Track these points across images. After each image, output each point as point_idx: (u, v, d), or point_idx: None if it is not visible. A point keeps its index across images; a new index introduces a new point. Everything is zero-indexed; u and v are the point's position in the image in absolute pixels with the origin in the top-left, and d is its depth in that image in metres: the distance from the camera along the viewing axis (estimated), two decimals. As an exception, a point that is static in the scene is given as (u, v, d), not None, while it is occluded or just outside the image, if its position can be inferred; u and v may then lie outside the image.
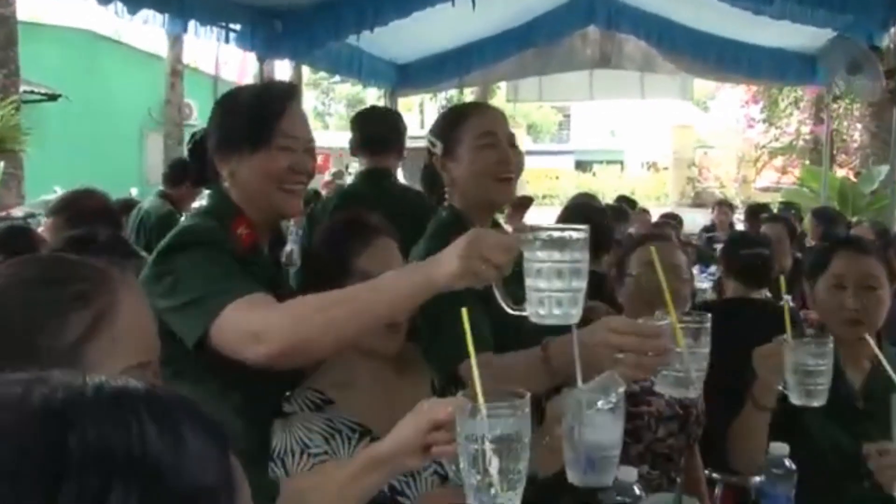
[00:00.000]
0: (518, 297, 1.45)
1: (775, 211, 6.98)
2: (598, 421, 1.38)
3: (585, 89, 10.69)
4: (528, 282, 1.39)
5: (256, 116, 1.79)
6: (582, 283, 1.38)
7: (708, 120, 26.95)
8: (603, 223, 3.77)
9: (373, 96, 13.05)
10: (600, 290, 3.26)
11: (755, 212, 6.44)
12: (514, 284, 1.68)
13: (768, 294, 3.74)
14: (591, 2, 8.04)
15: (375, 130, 3.85)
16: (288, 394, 1.77)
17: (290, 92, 1.89)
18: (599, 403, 1.37)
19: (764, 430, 2.10)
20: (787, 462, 1.89)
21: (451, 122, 2.13)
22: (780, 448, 1.90)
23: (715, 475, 2.78)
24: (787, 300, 4.16)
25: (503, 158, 2.05)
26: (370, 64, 7.94)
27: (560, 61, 9.06)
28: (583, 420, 1.37)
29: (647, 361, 1.50)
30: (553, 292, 1.37)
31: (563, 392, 1.49)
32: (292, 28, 6.35)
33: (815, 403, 1.87)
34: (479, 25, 7.92)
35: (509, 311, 1.45)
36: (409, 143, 4.07)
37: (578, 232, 1.38)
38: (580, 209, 3.95)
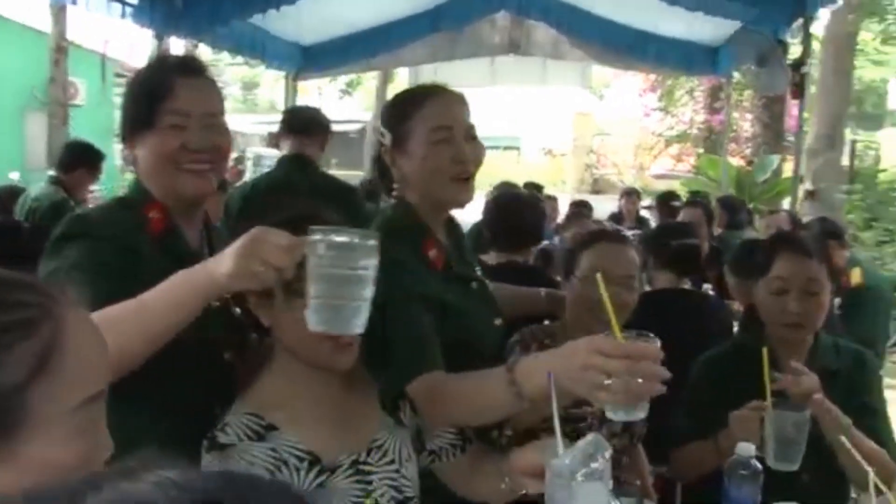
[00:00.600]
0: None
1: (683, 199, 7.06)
2: (584, 491, 1.26)
3: (488, 75, 10.66)
4: (310, 287, 1.30)
5: (142, 95, 1.71)
6: (368, 293, 1.32)
7: (605, 108, 27.42)
8: (537, 217, 3.69)
9: (270, 79, 12.67)
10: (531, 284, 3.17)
11: (666, 200, 6.49)
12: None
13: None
14: (501, -13, 7.94)
15: (304, 117, 4.10)
16: (224, 421, 1.54)
17: (182, 65, 1.75)
18: (583, 472, 1.27)
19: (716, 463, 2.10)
20: (754, 462, 1.85)
21: (402, 112, 1.90)
22: (747, 448, 1.85)
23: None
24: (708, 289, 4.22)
25: (459, 156, 1.85)
26: (274, 45, 7.63)
27: (469, 46, 8.94)
28: (570, 493, 1.26)
29: (637, 388, 1.33)
30: (336, 300, 1.31)
31: (538, 446, 1.44)
32: (193, 3, 5.99)
33: (793, 468, 1.91)
34: (388, 7, 7.73)
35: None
36: None
37: (367, 237, 1.32)
38: (510, 202, 3.81)
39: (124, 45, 15.46)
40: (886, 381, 5.06)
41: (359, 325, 1.33)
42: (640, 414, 1.54)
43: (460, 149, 1.85)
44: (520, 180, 8.11)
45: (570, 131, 27.68)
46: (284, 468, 1.50)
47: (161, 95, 1.67)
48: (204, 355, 1.61)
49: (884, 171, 12.55)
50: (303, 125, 4.04)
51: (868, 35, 15.77)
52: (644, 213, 9.28)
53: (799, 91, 6.14)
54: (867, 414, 2.16)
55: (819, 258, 2.23)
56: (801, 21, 6.30)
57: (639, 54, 8.37)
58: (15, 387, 0.88)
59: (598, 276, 1.66)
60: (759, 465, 1.85)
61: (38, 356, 0.89)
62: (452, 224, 2.07)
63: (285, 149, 4.02)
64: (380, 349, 1.65)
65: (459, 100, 1.92)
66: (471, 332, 1.91)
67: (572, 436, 2.11)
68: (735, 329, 3.49)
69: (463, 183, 1.88)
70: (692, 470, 2.35)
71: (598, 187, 23.86)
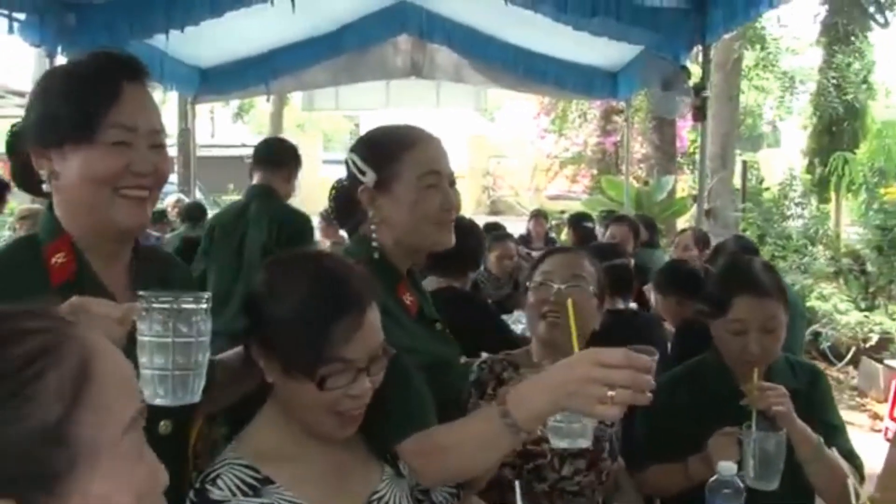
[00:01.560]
0: None
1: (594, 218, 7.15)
2: None
3: (382, 98, 10.65)
4: (141, 357, 1.21)
5: (83, 97, 1.39)
6: (203, 358, 1.25)
7: (498, 130, 27.78)
8: (477, 242, 3.64)
9: (173, 102, 12.30)
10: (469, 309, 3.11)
11: (579, 220, 6.56)
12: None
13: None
14: (403, 10, 7.96)
15: (273, 148, 4.28)
16: (211, 472, 1.42)
17: (128, 67, 1.45)
18: None
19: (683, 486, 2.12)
20: (736, 481, 1.84)
21: (390, 153, 1.77)
22: (729, 468, 1.82)
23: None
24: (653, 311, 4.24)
25: (447, 203, 1.77)
26: (172, 67, 7.38)
27: (370, 70, 8.89)
28: None
29: (640, 398, 1.34)
30: (171, 370, 1.22)
31: None
32: (89, 21, 5.68)
33: (771, 487, 1.93)
34: (289, 30, 7.61)
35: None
36: (198, 153, 4.26)
37: (199, 300, 1.24)
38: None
39: (3, 65, 14.62)
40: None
41: (197, 392, 1.26)
42: (584, 442, 1.56)
43: (448, 195, 1.78)
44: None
45: (465, 154, 27.93)
46: None
47: (107, 103, 1.39)
48: None
49: (767, 189, 13.16)
50: (270, 157, 4.18)
51: (749, 61, 16.53)
52: (550, 233, 9.39)
53: (700, 114, 6.32)
54: (831, 431, 2.17)
55: (775, 296, 2.20)
56: (699, 47, 6.52)
57: (539, 77, 8.51)
58: (58, 422, 0.76)
59: (569, 302, 1.73)
60: (741, 484, 1.83)
61: (73, 381, 0.78)
62: (412, 271, 1.93)
63: (255, 179, 4.13)
64: (372, 404, 1.51)
65: (442, 145, 1.85)
66: (455, 380, 1.89)
67: (532, 472, 2.07)
68: (669, 348, 3.52)
69: (447, 227, 1.80)
70: (658, 493, 2.37)
71: (496, 209, 24.06)
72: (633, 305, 4.38)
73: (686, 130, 15.32)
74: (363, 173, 1.77)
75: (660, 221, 10.41)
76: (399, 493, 1.58)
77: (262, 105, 24.50)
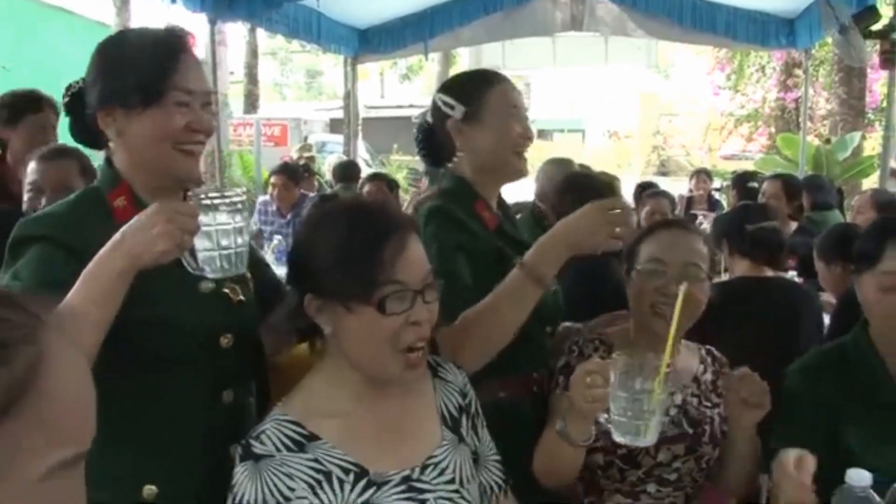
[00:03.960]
0: None
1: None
2: None
3: (549, 56, 10.40)
4: (206, 244, 1.44)
5: (148, 67, 1.58)
6: (243, 240, 1.48)
7: (670, 88, 26.75)
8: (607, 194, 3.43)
9: (329, 64, 12.62)
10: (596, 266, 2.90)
11: (743, 180, 6.08)
12: None
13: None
14: (562, -38, 7.67)
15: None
16: (258, 428, 1.44)
17: (182, 39, 1.67)
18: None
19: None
20: (874, 496, 1.52)
21: (479, 86, 2.04)
22: (861, 477, 1.53)
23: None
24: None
25: (527, 132, 2.04)
26: (329, 28, 7.51)
27: (528, 25, 8.66)
28: None
29: (626, 231, 1.79)
30: (234, 249, 1.46)
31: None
32: (244, -13, 5.88)
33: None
34: (445, -13, 7.54)
35: (190, 270, 1.47)
36: (366, 114, 4.14)
37: (240, 195, 1.49)
38: (583, 185, 3.54)
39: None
40: None
41: (243, 266, 1.49)
42: (648, 440, 1.56)
43: (527, 125, 2.04)
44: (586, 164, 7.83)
45: (635, 113, 27.13)
46: (326, 483, 1.39)
47: (171, 68, 1.57)
48: (196, 341, 1.58)
49: (973, 147, 11.85)
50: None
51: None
52: (715, 195, 8.87)
53: (889, 61, 5.69)
54: None
55: None
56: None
57: (708, 28, 7.97)
58: None
59: (683, 287, 1.68)
60: (878, 499, 1.54)
61: (6, 392, 0.62)
62: (503, 202, 2.18)
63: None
64: None
65: (513, 83, 2.11)
66: None
67: (625, 458, 1.87)
68: (826, 322, 3.16)
69: (522, 157, 2.06)
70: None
71: (665, 169, 23.29)
72: (791, 274, 4.02)
73: (879, 83, 14.04)
74: (452, 108, 2.02)
75: (842, 182, 9.63)
76: (459, 460, 1.52)
77: (430, 66, 24.73)
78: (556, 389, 1.93)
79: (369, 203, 1.58)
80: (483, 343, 1.78)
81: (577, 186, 3.43)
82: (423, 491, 1.45)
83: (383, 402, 1.49)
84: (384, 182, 5.91)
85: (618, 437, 1.57)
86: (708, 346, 2.09)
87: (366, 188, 5.94)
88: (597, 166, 7.34)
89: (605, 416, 1.61)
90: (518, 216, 3.02)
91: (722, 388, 1.93)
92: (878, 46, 5.75)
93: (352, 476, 1.40)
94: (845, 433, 1.89)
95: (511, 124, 2.00)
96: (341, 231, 1.45)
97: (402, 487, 1.43)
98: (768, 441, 1.91)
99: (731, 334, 2.45)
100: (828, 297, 3.45)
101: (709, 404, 1.97)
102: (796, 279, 3.94)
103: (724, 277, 3.32)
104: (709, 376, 2.02)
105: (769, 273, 3.19)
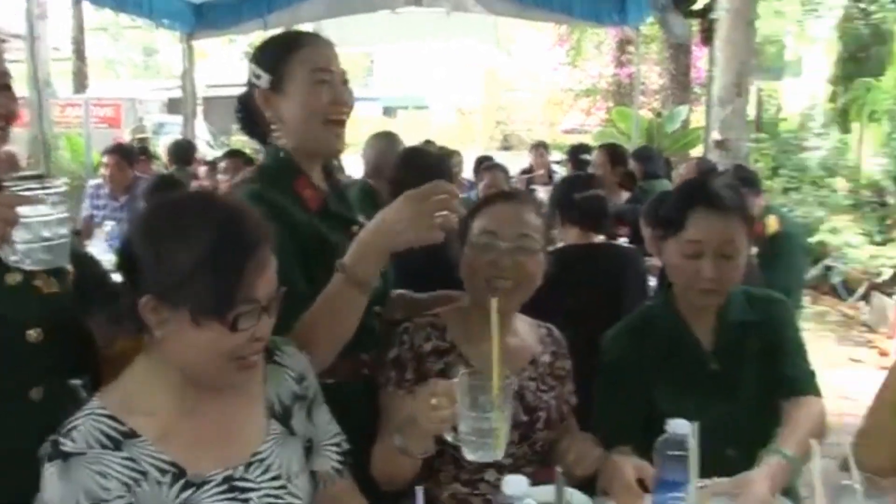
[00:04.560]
0: None
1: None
2: None
3: (389, 31, 10.38)
4: (26, 237, 1.39)
5: None
6: (64, 230, 1.44)
7: (513, 64, 27.29)
8: (444, 169, 3.45)
9: (167, 42, 12.10)
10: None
11: (576, 152, 6.32)
12: None
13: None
14: (400, -63, 7.65)
15: None
16: (70, 422, 1.34)
17: None
18: None
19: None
20: (686, 440, 1.62)
21: (282, 53, 1.87)
22: (681, 426, 1.63)
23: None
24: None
25: (338, 98, 1.87)
26: (162, 2, 7.17)
27: (369, 0, 8.62)
28: None
29: (452, 219, 1.61)
30: (56, 240, 1.42)
31: None
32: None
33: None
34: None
35: (10, 262, 1.43)
36: (206, 93, 3.93)
37: (60, 186, 1.45)
38: (416, 156, 3.55)
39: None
40: (803, 325, 5.07)
41: (65, 257, 1.47)
42: (498, 454, 1.54)
43: (339, 90, 1.87)
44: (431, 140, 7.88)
45: (479, 89, 27.50)
46: (144, 481, 1.32)
47: None
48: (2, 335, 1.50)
49: (785, 120, 12.78)
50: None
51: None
52: (555, 168, 9.15)
53: (707, 37, 6.03)
54: (787, 354, 2.01)
55: (737, 217, 2.00)
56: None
57: (544, 4, 8.19)
58: None
59: (494, 301, 1.61)
60: (695, 444, 1.64)
61: None
62: (330, 172, 2.05)
63: None
64: None
65: (332, 46, 1.94)
66: None
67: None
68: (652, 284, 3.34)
69: (338, 126, 1.89)
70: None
71: (508, 144, 23.80)
72: (623, 240, 4.21)
73: (702, 60, 14.85)
74: (258, 77, 1.86)
75: (672, 153, 10.14)
76: (287, 454, 1.48)
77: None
78: (387, 385, 1.89)
79: (232, 209, 1.40)
80: (326, 344, 1.70)
81: (415, 160, 3.45)
82: (246, 490, 1.40)
83: (206, 400, 1.42)
84: (241, 159, 5.68)
85: (469, 456, 1.55)
86: (548, 325, 2.11)
87: (222, 164, 5.75)
88: (442, 142, 7.42)
89: (452, 434, 1.58)
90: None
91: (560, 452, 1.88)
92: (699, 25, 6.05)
93: (169, 477, 1.34)
94: (656, 392, 2.00)
95: (318, 92, 1.84)
96: (203, 240, 1.33)
97: (224, 487, 1.39)
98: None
99: (563, 301, 2.54)
100: (655, 261, 3.64)
101: (545, 388, 1.99)
102: (628, 245, 4.12)
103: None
104: (547, 358, 2.04)
105: (597, 240, 3.32)
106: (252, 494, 1.40)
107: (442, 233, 1.60)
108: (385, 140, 4.10)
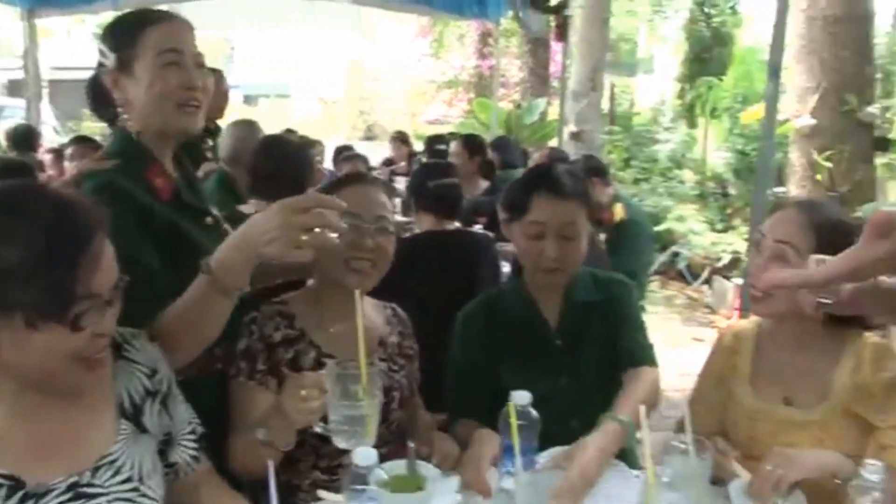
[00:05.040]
0: None
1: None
2: None
3: (252, 16, 10.15)
4: None
5: None
6: None
7: (377, 54, 27.26)
8: (305, 163, 3.43)
9: (6, 17, 11.36)
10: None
11: (433, 143, 6.42)
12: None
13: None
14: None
15: None
16: None
17: None
18: None
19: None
20: (530, 411, 1.74)
21: (130, 31, 1.76)
22: (522, 397, 1.72)
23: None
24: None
25: (188, 82, 1.77)
26: (-3, -25, 6.73)
27: (230, -17, 8.41)
28: None
29: (330, 239, 1.49)
30: None
31: None
32: None
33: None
34: (135, -63, 7.04)
35: None
36: (52, 75, 3.68)
37: None
38: (276, 145, 3.51)
39: None
40: (648, 307, 5.33)
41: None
42: (369, 440, 1.58)
43: (190, 73, 1.77)
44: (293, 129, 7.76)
45: (343, 78, 27.29)
46: None
47: None
48: None
49: (638, 114, 13.38)
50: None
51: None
52: (416, 157, 9.24)
53: (562, 33, 6.24)
54: (627, 330, 2.13)
55: (576, 200, 2.11)
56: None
57: (407, -5, 8.22)
58: None
59: (357, 292, 1.66)
60: (535, 413, 1.73)
61: None
62: (181, 160, 1.94)
63: None
64: None
65: (188, 26, 1.82)
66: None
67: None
68: (507, 271, 3.44)
69: (190, 110, 1.79)
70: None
71: (371, 134, 23.77)
72: (478, 228, 4.31)
73: (561, 55, 15.32)
74: (106, 56, 1.77)
75: (530, 144, 10.41)
76: (138, 454, 1.42)
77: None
78: (238, 377, 1.86)
79: (60, 201, 1.27)
80: (191, 346, 1.61)
81: (275, 148, 3.42)
82: (93, 496, 1.34)
83: (47, 404, 1.34)
84: (89, 146, 5.39)
85: (342, 444, 1.57)
86: (392, 305, 2.15)
87: (68, 151, 5.47)
88: (304, 132, 7.34)
89: (321, 424, 1.60)
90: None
91: None
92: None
93: (4, 490, 1.26)
94: (505, 367, 2.09)
95: (167, 75, 1.74)
96: (31, 237, 1.21)
97: (69, 495, 1.31)
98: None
99: (417, 287, 2.60)
100: (510, 247, 3.75)
101: (396, 368, 2.03)
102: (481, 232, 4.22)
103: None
104: (395, 338, 2.08)
105: (451, 227, 3.40)
106: (101, 499, 1.34)
107: (311, 252, 1.48)
108: (244, 127, 4.03)
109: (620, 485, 1.78)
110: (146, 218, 1.70)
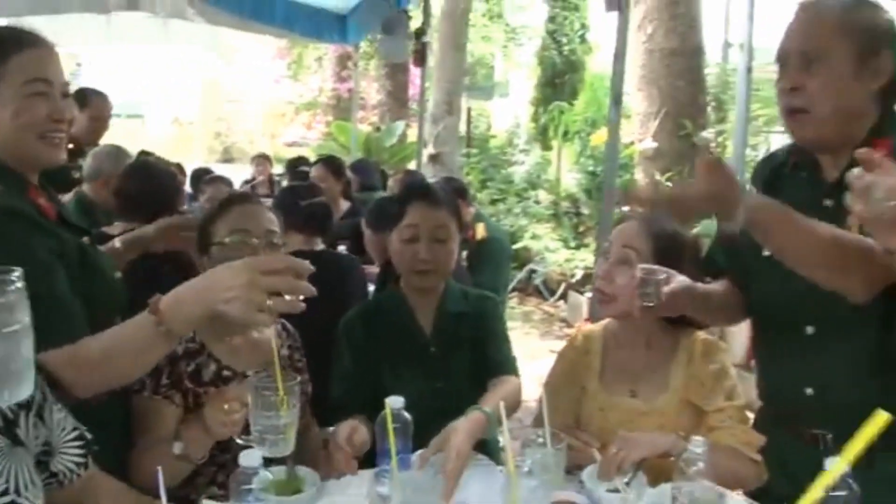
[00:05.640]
0: None
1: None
2: None
3: (102, 33, 9.82)
4: None
5: None
6: (26, 349, 1.08)
7: (233, 74, 26.84)
8: (171, 181, 3.44)
9: None
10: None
11: (295, 164, 6.49)
12: None
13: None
14: (109, -65, 7.28)
15: None
16: None
17: None
18: None
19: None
20: (405, 414, 1.87)
21: None
22: (396, 401, 1.86)
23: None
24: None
25: (55, 113, 1.74)
26: None
27: (78, 0, 8.12)
28: None
29: (296, 305, 1.38)
30: None
31: None
32: None
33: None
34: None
35: None
36: None
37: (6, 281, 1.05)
38: (142, 171, 3.50)
39: None
40: (508, 323, 5.56)
41: (27, 389, 1.10)
42: (289, 449, 1.63)
43: (57, 105, 1.74)
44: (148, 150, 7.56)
45: (198, 98, 26.66)
46: None
47: None
48: None
49: (494, 136, 13.82)
50: None
51: (477, 13, 17.09)
52: (277, 179, 9.21)
53: (420, 59, 6.45)
54: (494, 342, 2.33)
55: (448, 209, 2.32)
56: (421, -7, 6.62)
57: (266, 19, 8.19)
58: None
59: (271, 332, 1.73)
60: (408, 416, 1.87)
61: None
62: (44, 185, 1.88)
63: None
64: None
65: (55, 54, 1.79)
66: (102, 284, 1.81)
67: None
68: (371, 289, 3.58)
69: (56, 142, 1.76)
70: None
71: (229, 156, 23.36)
72: (341, 248, 4.42)
73: (419, 77, 15.62)
74: None
75: (390, 167, 10.58)
76: (14, 466, 1.37)
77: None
78: (143, 391, 1.89)
79: None
80: (104, 386, 1.53)
81: (143, 172, 3.42)
82: None
83: None
84: None
85: (264, 453, 1.60)
86: (281, 320, 2.22)
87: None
88: (159, 153, 7.20)
89: (242, 436, 1.65)
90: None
91: None
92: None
93: None
94: (383, 371, 2.23)
95: (34, 105, 1.70)
96: None
97: None
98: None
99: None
100: (373, 269, 3.91)
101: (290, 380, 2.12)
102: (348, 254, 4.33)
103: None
104: (286, 351, 2.18)
105: (321, 246, 3.50)
106: None
107: (272, 318, 1.38)
108: (110, 151, 4.00)
109: (488, 478, 1.94)
110: (53, 240, 1.68)
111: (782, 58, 1.82)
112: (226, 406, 1.65)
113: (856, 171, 1.26)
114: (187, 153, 24.19)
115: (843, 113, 1.74)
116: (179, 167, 6.69)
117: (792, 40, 1.80)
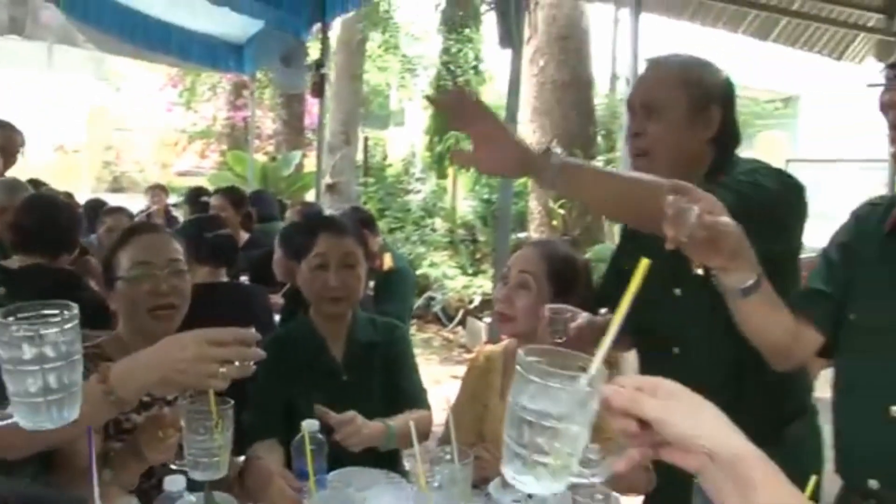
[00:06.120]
0: None
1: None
2: None
3: (-20, 57, 9.53)
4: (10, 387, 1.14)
5: None
6: (77, 376, 1.17)
7: (122, 101, 26.16)
8: (70, 215, 3.41)
9: None
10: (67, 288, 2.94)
11: (196, 195, 6.42)
12: None
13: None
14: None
15: None
16: None
17: None
18: None
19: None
20: (320, 436, 1.96)
21: None
22: (311, 424, 1.93)
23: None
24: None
25: None
26: None
27: (-41, 25, 7.86)
28: None
29: (247, 370, 1.48)
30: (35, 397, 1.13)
31: None
32: None
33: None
34: None
35: None
36: None
37: (63, 321, 1.14)
38: (41, 204, 3.45)
39: None
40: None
41: (73, 413, 1.17)
42: (223, 471, 1.67)
43: None
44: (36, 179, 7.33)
45: (84, 126, 25.82)
46: None
47: None
48: None
49: (390, 165, 13.97)
50: None
51: (374, 44, 17.23)
52: (172, 210, 9.05)
53: (319, 90, 6.53)
54: (405, 371, 2.49)
55: (354, 237, 2.45)
56: (319, 25, 6.71)
57: (161, 48, 8.12)
58: None
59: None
60: (322, 437, 1.96)
61: None
62: None
63: None
64: None
65: None
66: None
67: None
68: (276, 318, 3.64)
69: None
70: None
71: (119, 185, 22.68)
72: (244, 278, 4.44)
73: (316, 107, 15.62)
74: None
75: (287, 196, 10.58)
76: None
77: None
78: None
79: None
80: (35, 449, 1.54)
81: (40, 205, 3.39)
82: None
83: None
84: None
85: (198, 476, 1.64)
86: None
87: None
88: (44, 181, 7.00)
89: (177, 460, 1.69)
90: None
91: None
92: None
93: None
94: (297, 397, 2.30)
95: None
96: None
97: None
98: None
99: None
100: (277, 299, 3.96)
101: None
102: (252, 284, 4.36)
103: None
104: None
105: (225, 278, 3.54)
106: None
107: (226, 383, 1.46)
108: (7, 184, 3.93)
109: (399, 494, 2.05)
110: None
111: (631, 107, 2.03)
112: (160, 433, 1.68)
113: (669, 198, 1.39)
114: (74, 182, 23.31)
115: (680, 156, 1.93)
116: (70, 196, 6.51)
117: (637, 92, 2.02)
